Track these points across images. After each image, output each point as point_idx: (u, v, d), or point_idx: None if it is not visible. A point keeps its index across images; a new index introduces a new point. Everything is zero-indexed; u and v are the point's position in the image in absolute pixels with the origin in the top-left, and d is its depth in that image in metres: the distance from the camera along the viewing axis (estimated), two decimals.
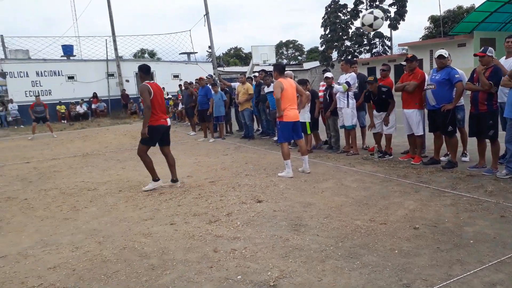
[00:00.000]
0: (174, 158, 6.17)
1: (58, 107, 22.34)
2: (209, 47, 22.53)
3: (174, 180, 6.10)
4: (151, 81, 5.89)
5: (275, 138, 10.02)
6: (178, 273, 3.19)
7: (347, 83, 7.32)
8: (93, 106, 23.09)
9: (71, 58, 25.10)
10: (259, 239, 3.83)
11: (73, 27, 37.97)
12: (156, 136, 5.87)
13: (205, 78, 12.32)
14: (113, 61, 24.02)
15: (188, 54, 27.88)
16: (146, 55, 53.55)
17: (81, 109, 22.09)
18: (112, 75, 24.27)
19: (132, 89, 24.41)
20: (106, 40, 23.96)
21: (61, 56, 24.87)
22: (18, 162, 9.21)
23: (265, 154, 8.40)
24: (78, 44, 27.60)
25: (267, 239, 3.82)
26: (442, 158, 6.41)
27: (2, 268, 3.48)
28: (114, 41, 23.71)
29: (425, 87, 6.20)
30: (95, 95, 23.25)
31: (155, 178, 5.96)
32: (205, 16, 17.41)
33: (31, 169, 8.22)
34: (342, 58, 35.93)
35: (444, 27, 35.01)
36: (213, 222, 4.34)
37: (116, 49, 23.78)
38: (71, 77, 23.19)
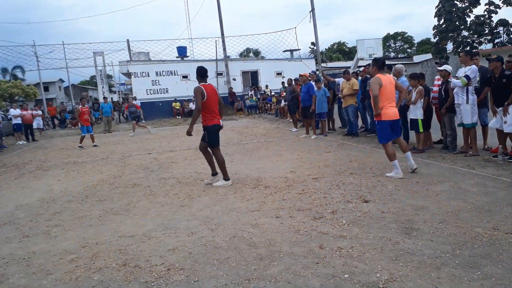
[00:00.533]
0: (223, 159, 6.26)
1: (173, 104, 24.49)
2: (312, 43, 22.53)
3: (214, 173, 6.32)
4: (206, 83, 6.06)
5: None
6: (285, 265, 3.28)
7: (466, 76, 6.66)
8: None
9: (185, 58, 27.27)
10: (366, 239, 3.73)
11: (187, 29, 40.99)
12: (216, 134, 6.15)
13: (308, 74, 12.32)
14: (222, 60, 25.42)
15: (291, 51, 28.18)
16: (251, 54, 55.53)
17: (193, 106, 23.84)
18: (221, 74, 25.71)
19: (238, 87, 25.58)
20: (215, 41, 25.48)
21: (176, 57, 27.19)
22: (141, 153, 10.37)
23: (371, 152, 8.09)
24: (191, 45, 29.83)
25: (375, 240, 3.70)
26: None
27: (130, 246, 3.97)
28: (223, 41, 25.07)
29: None
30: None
31: (226, 178, 6.20)
32: (311, 12, 17.36)
33: (152, 159, 9.18)
34: (459, 50, 32.71)
35: None
36: (317, 219, 4.35)
37: (224, 49, 25.12)
38: (185, 76, 25.21)
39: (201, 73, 6.16)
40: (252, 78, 27.02)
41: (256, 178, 6.50)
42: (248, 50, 56.01)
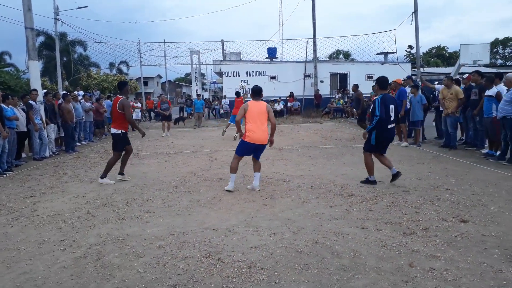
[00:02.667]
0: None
1: None
2: (409, 47, 21.22)
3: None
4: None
5: (485, 151, 8.70)
6: (370, 280, 3.11)
7: None
8: (289, 104, 24.83)
9: (274, 60, 27.61)
10: (463, 263, 3.38)
11: (279, 31, 41.56)
12: None
13: (401, 80, 11.67)
14: (310, 62, 25.24)
15: (385, 54, 26.93)
16: (340, 56, 54.38)
17: (278, 106, 24.05)
18: (308, 75, 25.55)
19: (325, 89, 25.19)
20: (306, 42, 25.36)
21: (266, 58, 27.64)
22: (228, 149, 10.71)
23: (471, 168, 7.36)
24: (281, 46, 30.17)
25: (474, 265, 3.34)
26: None
27: (214, 239, 4.09)
28: (315, 43, 24.84)
29: None
30: (291, 94, 24.95)
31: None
32: (413, 14, 16.32)
33: None
34: None
35: None
36: (408, 235, 4.06)
37: (315, 50, 24.90)
38: (273, 77, 25.54)
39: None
40: (340, 80, 26.39)
41: (340, 184, 6.30)
42: (338, 52, 54.91)
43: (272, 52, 27.92)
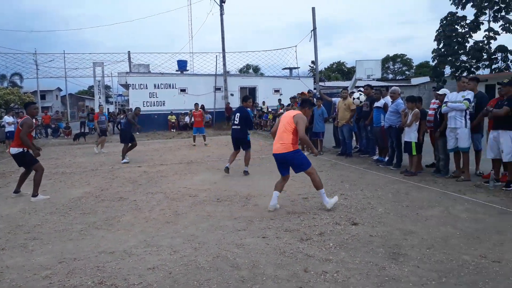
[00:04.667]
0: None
1: (169, 117, 24.47)
2: (312, 62, 22.63)
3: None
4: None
5: (375, 157, 9.55)
6: None
7: (468, 100, 6.65)
8: None
9: (184, 72, 27.37)
10: (352, 264, 3.63)
11: (189, 43, 41.36)
12: None
13: (307, 93, 12.37)
14: (221, 75, 25.52)
15: (291, 69, 28.38)
16: (250, 70, 55.94)
17: (188, 119, 23.80)
18: (219, 89, 25.79)
19: (235, 102, 25.60)
20: (216, 56, 25.62)
21: (176, 71, 27.29)
22: (131, 165, 10.24)
23: (363, 173, 8.02)
24: (192, 59, 29.98)
25: (362, 265, 3.60)
26: None
27: (109, 263, 3.84)
28: (224, 57, 25.19)
29: None
30: (202, 107, 24.90)
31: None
32: (312, 32, 17.52)
33: (141, 172, 9.07)
34: (457, 74, 33.01)
35: None
36: (304, 240, 4.25)
37: (224, 64, 25.24)
38: (183, 90, 25.27)
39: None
40: (250, 94, 27.11)
41: (245, 195, 6.40)
42: (248, 66, 56.44)
43: (182, 65, 27.66)
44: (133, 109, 13.70)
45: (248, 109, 8.70)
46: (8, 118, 16.33)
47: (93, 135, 20.61)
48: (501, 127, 6.17)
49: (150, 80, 24.76)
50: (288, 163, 5.51)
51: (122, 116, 26.12)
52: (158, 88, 24.84)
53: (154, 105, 24.77)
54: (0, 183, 8.39)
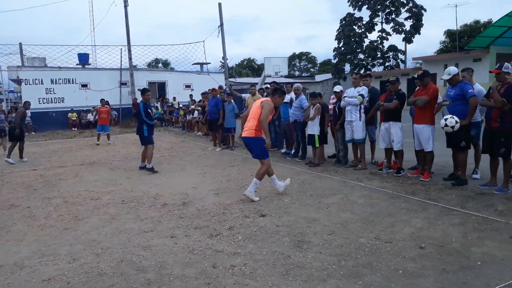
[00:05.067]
0: None
1: (69, 114, 22.65)
2: (223, 58, 22.66)
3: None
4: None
5: (283, 150, 9.92)
6: None
7: (362, 95, 7.22)
8: None
9: (86, 66, 25.49)
10: (260, 255, 3.72)
11: (90, 36, 38.55)
12: None
13: (218, 89, 12.36)
14: (127, 70, 24.29)
15: (201, 64, 28.11)
16: (160, 64, 54.22)
17: (92, 117, 22.27)
18: (125, 84, 24.53)
19: None
20: (121, 49, 24.29)
21: (77, 64, 25.28)
22: (25, 169, 9.25)
23: (272, 166, 8.25)
24: (94, 52, 27.93)
25: (268, 255, 3.71)
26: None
27: None
28: (129, 50, 24.00)
29: (440, 102, 6.17)
30: (107, 104, 23.47)
31: None
32: (220, 27, 17.52)
33: (37, 176, 8.24)
34: (355, 71, 35.87)
35: (460, 41, 34.67)
36: (214, 236, 4.24)
37: (130, 58, 24.06)
38: (84, 85, 23.51)
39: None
40: (159, 89, 26.26)
41: (154, 195, 6.18)
42: (157, 61, 54.60)
43: (83, 58, 25.66)
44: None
45: (143, 102, 8.47)
46: None
47: None
48: (391, 119, 6.85)
49: (47, 74, 22.58)
50: (249, 147, 5.93)
51: (14, 115, 23.46)
52: (56, 83, 22.77)
53: (51, 102, 22.66)
54: None
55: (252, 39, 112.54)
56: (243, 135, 5.90)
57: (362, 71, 33.06)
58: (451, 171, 6.35)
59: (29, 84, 22.10)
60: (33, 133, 20.63)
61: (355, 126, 7.34)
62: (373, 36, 38.76)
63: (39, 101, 21.93)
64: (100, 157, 10.74)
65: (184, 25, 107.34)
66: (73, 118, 22.54)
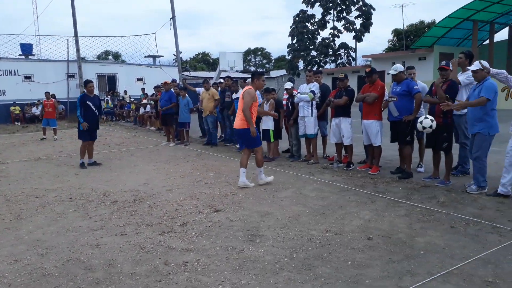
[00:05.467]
0: None
1: (12, 108, 21.25)
2: (176, 51, 22.21)
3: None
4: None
5: (238, 146, 9.94)
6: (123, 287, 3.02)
7: (313, 92, 7.37)
8: None
9: (30, 57, 24.01)
10: (213, 250, 3.71)
11: (34, 25, 36.32)
12: None
13: (170, 82, 12.10)
14: (75, 62, 23.16)
15: (154, 57, 27.42)
16: (110, 57, 52.26)
17: (37, 110, 21.06)
18: (73, 76, 23.40)
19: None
20: (67, 40, 23.12)
21: (19, 55, 23.74)
22: None
23: (227, 161, 8.28)
24: (38, 43, 26.39)
25: (221, 250, 3.71)
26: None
27: None
28: (77, 41, 22.83)
29: (386, 99, 6.43)
30: (53, 97, 22.24)
31: None
32: (171, 20, 17.14)
33: None
34: (308, 68, 36.59)
35: (406, 40, 36.41)
36: (166, 233, 4.18)
37: (78, 50, 22.93)
38: (28, 77, 22.14)
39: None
40: (109, 82, 25.30)
41: (103, 192, 5.96)
42: (107, 53, 52.56)
43: (26, 49, 24.12)
44: None
45: (82, 95, 8.32)
46: None
47: None
48: (341, 114, 7.07)
49: None
50: (240, 137, 6.34)
51: None
52: None
53: None
54: None
55: (208, 33, 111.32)
56: (235, 127, 6.21)
57: (315, 68, 33.79)
58: (398, 165, 6.67)
59: None
60: None
61: (307, 121, 7.50)
62: (325, 33, 39.78)
63: None
64: (46, 153, 10.19)
65: (135, 17, 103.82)
66: (16, 112, 21.18)
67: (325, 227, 4.23)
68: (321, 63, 39.73)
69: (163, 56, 24.35)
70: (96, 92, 24.54)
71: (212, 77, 23.22)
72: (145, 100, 17.59)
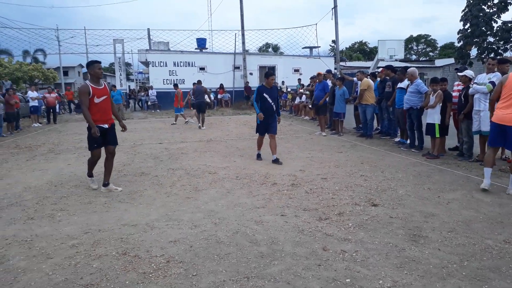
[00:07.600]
0: None
1: (188, 96, 24.56)
2: (333, 41, 22.15)
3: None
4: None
5: (397, 139, 9.40)
6: (286, 265, 3.21)
7: (492, 83, 6.44)
8: (219, 96, 24.73)
9: (203, 50, 27.27)
10: (371, 244, 3.63)
11: (208, 21, 41.01)
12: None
13: (323, 73, 12.18)
14: (240, 54, 25.32)
15: (311, 48, 27.92)
16: (270, 49, 55.29)
17: (206, 98, 23.79)
18: (238, 67, 25.64)
19: (254, 81, 25.44)
20: (235, 34, 25.39)
21: (195, 49, 27.20)
22: (152, 142, 10.39)
23: (384, 155, 7.92)
24: (211, 37, 29.76)
25: (381, 245, 3.60)
26: None
27: (132, 235, 3.94)
28: (243, 35, 24.94)
29: None
30: (221, 86, 24.84)
31: None
32: (333, 10, 17.09)
33: (162, 149, 9.20)
34: (483, 56, 31.92)
35: None
36: (323, 220, 4.26)
37: (243, 43, 25.00)
38: (202, 68, 25.22)
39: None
40: None
41: (264, 174, 6.43)
42: (267, 45, 55.78)
43: (201, 43, 27.51)
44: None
45: (260, 86, 7.81)
46: (32, 93, 16.67)
47: None
48: None
49: (170, 57, 24.78)
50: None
51: (142, 94, 26.37)
52: (178, 66, 24.86)
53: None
54: (27, 156, 8.66)
55: (365, 22, 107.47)
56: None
57: (492, 56, 29.19)
58: None
59: (155, 66, 24.52)
60: (158, 110, 22.96)
61: (483, 116, 6.57)
62: (507, 16, 33.81)
63: (164, 82, 24.20)
64: (216, 136, 11.50)
65: (295, 9, 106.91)
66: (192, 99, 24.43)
67: (503, 238, 3.69)
68: (500, 51, 34.09)
69: (320, 47, 24.53)
70: (257, 82, 26.34)
71: (369, 67, 22.37)
72: (301, 90, 18.12)
